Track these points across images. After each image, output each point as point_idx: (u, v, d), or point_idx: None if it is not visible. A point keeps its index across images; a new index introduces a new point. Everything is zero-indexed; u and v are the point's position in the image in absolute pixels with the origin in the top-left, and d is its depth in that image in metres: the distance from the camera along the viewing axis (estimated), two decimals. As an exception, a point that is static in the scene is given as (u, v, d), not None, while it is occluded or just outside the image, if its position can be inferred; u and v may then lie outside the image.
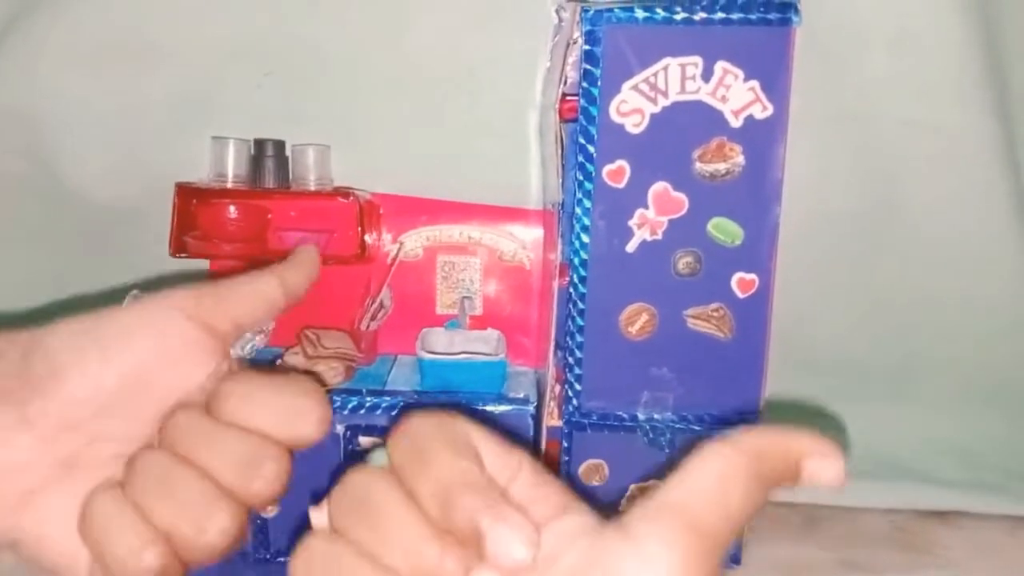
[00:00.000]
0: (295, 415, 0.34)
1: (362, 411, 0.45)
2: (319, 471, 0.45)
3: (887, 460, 0.58)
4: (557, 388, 0.47)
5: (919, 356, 0.57)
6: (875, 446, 0.58)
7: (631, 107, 0.42)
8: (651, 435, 0.45)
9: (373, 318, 0.50)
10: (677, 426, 0.45)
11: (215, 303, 0.36)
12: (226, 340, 0.37)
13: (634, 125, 0.42)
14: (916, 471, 0.58)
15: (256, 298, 0.38)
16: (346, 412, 0.45)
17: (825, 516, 0.56)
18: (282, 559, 0.47)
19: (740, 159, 0.42)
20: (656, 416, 0.45)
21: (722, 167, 0.42)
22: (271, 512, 0.46)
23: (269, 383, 0.35)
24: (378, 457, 0.30)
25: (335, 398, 0.45)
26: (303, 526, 0.30)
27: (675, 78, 0.42)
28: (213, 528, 0.32)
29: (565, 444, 0.46)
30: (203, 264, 0.52)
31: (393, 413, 0.45)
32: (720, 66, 0.41)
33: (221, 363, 0.36)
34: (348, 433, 0.46)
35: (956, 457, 0.58)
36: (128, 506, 0.32)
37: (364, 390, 0.46)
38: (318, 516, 0.30)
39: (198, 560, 0.32)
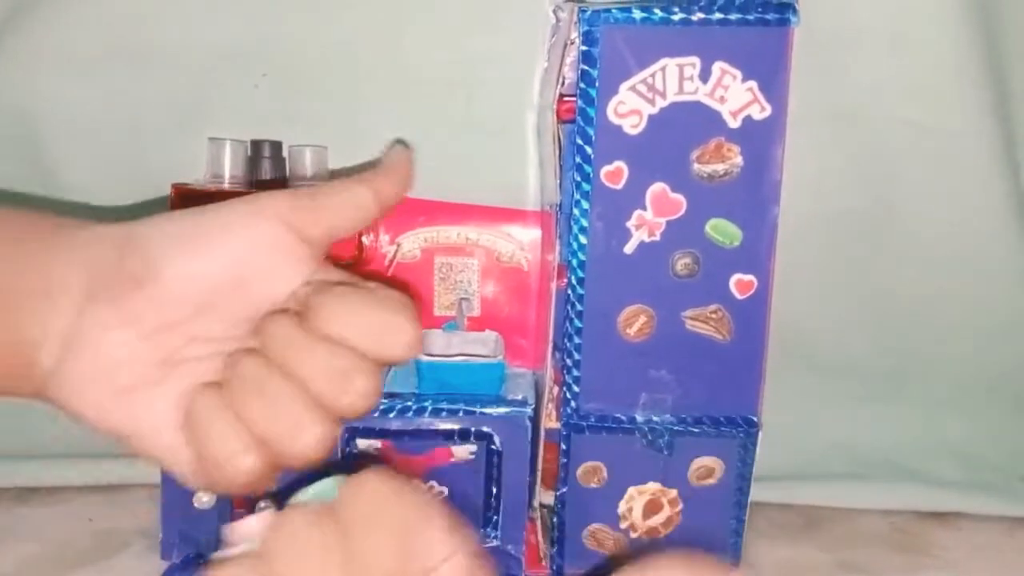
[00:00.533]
0: (387, 332, 0.34)
1: (360, 413, 0.45)
2: (318, 472, 0.45)
3: (886, 461, 0.58)
4: (555, 390, 0.47)
5: (918, 357, 0.57)
6: (874, 447, 0.58)
7: (629, 108, 0.42)
8: (649, 437, 0.45)
9: (371, 320, 0.50)
10: (675, 428, 0.45)
11: (310, 211, 0.36)
12: (320, 248, 0.36)
13: (632, 126, 0.42)
14: (915, 472, 0.58)
15: (350, 207, 0.37)
16: (343, 414, 0.45)
17: (824, 517, 0.56)
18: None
19: (738, 160, 0.42)
20: (654, 418, 0.45)
21: (720, 168, 0.42)
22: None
23: (363, 298, 0.35)
24: (325, 489, 0.31)
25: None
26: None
27: (673, 79, 0.41)
28: (307, 437, 0.32)
29: (563, 446, 0.46)
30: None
31: (391, 415, 0.45)
32: (718, 66, 0.41)
33: (315, 272, 0.36)
34: (346, 435, 0.46)
35: (955, 458, 0.58)
36: (228, 410, 0.33)
37: (362, 392, 0.46)
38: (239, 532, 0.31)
39: (293, 466, 0.33)
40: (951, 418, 0.58)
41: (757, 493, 0.47)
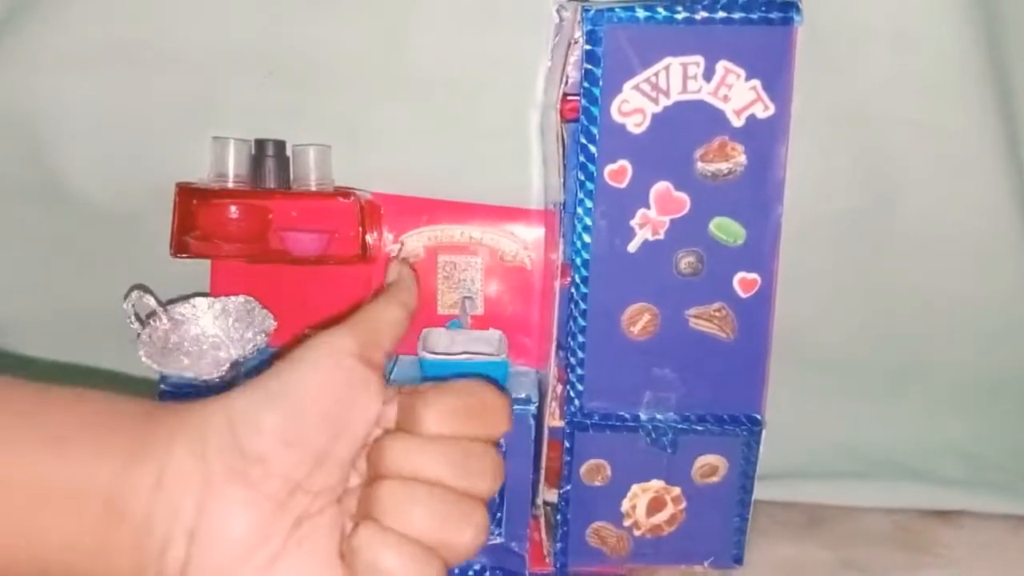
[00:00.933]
0: (485, 413, 0.37)
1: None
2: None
3: (888, 459, 0.58)
4: (559, 388, 0.47)
5: (920, 355, 0.57)
6: (876, 445, 0.58)
7: (632, 107, 0.42)
8: (653, 435, 0.45)
9: (374, 318, 0.50)
10: (679, 426, 0.45)
11: (371, 340, 0.38)
12: (381, 370, 0.38)
13: (635, 125, 0.42)
14: (917, 470, 0.58)
15: (394, 328, 0.40)
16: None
17: (827, 516, 0.56)
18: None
19: (742, 159, 0.42)
20: (658, 416, 0.45)
21: (724, 167, 0.42)
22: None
23: (451, 393, 0.37)
24: None
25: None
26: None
27: (676, 77, 0.41)
28: (472, 529, 0.34)
29: (567, 444, 0.46)
30: (204, 264, 0.52)
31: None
32: (722, 65, 0.41)
33: (386, 391, 0.37)
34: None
35: (957, 456, 0.58)
36: (393, 534, 0.34)
37: (365, 391, 0.46)
38: None
39: (462, 561, 0.35)
40: (954, 416, 0.58)
41: (760, 491, 0.47)
